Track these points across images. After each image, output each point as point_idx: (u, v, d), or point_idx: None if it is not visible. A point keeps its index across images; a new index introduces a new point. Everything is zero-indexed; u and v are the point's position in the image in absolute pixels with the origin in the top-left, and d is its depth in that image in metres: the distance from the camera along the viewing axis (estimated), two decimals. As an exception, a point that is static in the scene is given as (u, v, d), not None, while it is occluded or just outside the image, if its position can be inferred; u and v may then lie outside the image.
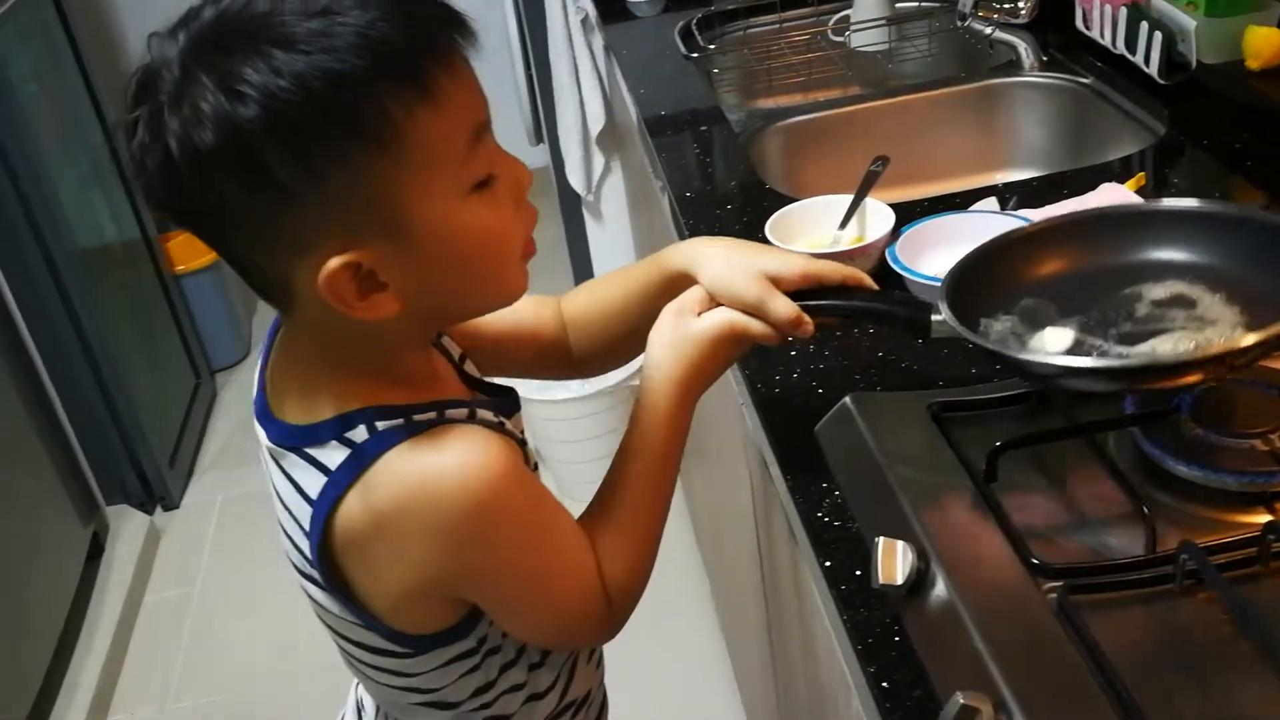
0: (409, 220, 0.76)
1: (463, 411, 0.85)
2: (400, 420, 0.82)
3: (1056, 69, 1.68)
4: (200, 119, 0.71)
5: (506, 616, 0.89)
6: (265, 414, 0.88)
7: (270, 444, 0.86)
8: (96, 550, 2.64)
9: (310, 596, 0.90)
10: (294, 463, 0.84)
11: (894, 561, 0.82)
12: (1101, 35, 1.56)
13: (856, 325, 1.13)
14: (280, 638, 2.44)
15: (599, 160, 2.59)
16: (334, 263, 0.75)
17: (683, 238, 1.45)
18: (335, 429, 0.82)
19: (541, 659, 0.96)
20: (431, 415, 0.83)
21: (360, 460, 0.80)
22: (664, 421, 0.93)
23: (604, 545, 0.91)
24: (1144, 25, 1.46)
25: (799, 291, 0.93)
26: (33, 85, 2.60)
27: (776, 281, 0.92)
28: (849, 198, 1.29)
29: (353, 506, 0.81)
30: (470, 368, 0.98)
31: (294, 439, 0.84)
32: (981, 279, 0.94)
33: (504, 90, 2.95)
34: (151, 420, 2.82)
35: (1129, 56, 1.50)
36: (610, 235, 2.73)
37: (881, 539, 0.83)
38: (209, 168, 0.72)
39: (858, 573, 0.87)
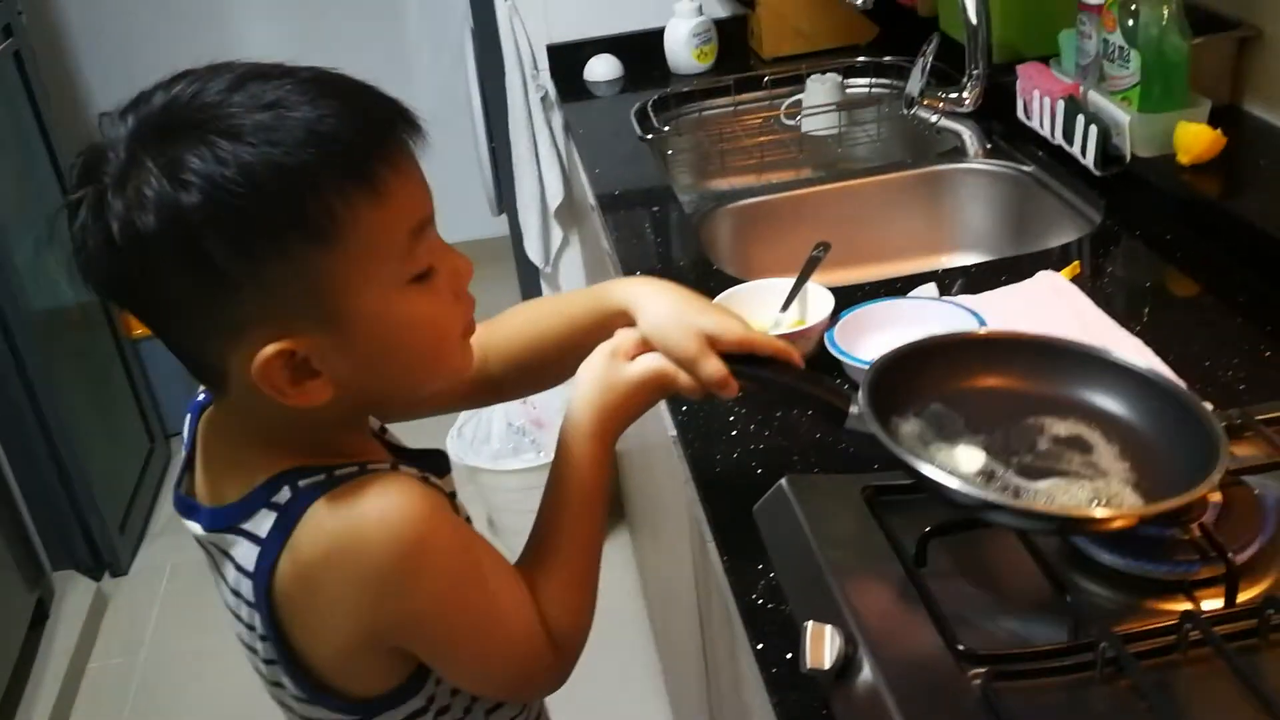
0: (345, 311, 0.77)
1: (384, 466, 0.86)
2: (322, 476, 0.82)
3: (999, 157, 1.74)
4: (143, 203, 0.72)
5: (450, 666, 0.89)
6: (189, 506, 0.88)
7: (204, 533, 0.86)
8: (41, 616, 2.60)
9: (260, 673, 0.89)
10: (230, 542, 0.84)
11: (822, 646, 0.83)
12: (1041, 126, 1.61)
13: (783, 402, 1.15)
14: (226, 708, 2.41)
15: (557, 234, 2.61)
16: (267, 350, 0.76)
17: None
18: (262, 497, 0.82)
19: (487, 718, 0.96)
20: (353, 469, 0.83)
21: (287, 520, 0.81)
22: (591, 462, 0.94)
23: (542, 589, 0.91)
24: (1080, 118, 1.50)
25: (730, 355, 0.95)
26: (-8, 148, 2.61)
27: (713, 342, 0.94)
28: (792, 281, 1.31)
29: (285, 567, 0.81)
30: (392, 437, 0.99)
31: (225, 519, 0.84)
32: (898, 377, 0.96)
33: (467, 162, 2.99)
34: (103, 485, 2.80)
35: (1066, 147, 1.55)
36: (567, 307, 2.75)
37: (810, 623, 0.85)
38: (148, 251, 0.73)
39: (789, 655, 0.88)
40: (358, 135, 0.75)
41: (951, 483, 0.85)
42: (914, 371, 0.97)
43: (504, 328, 1.08)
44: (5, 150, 2.70)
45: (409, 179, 0.78)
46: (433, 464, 0.93)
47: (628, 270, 1.55)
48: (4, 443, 2.57)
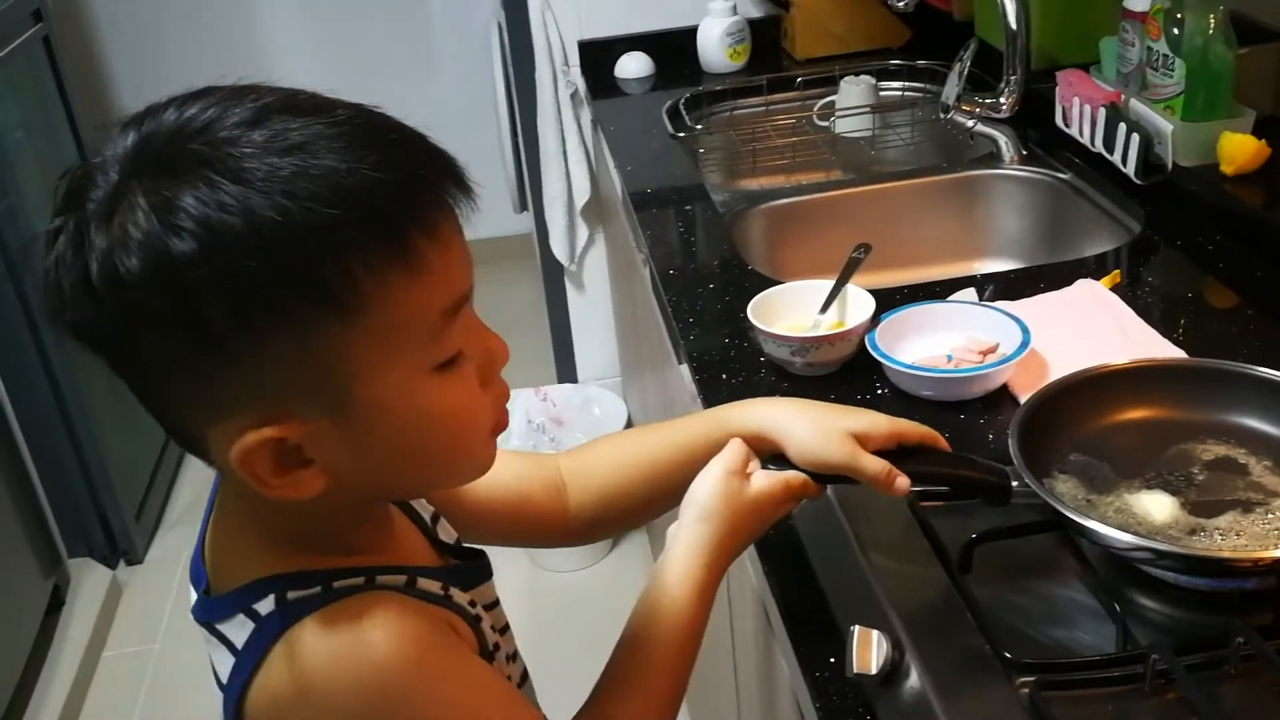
0: (355, 398, 0.66)
1: (399, 579, 0.74)
2: (317, 589, 0.70)
3: (1035, 164, 1.72)
4: (127, 242, 0.61)
5: None
6: (199, 579, 0.77)
7: (192, 615, 0.76)
8: (56, 603, 2.60)
9: None
10: (209, 638, 0.74)
11: (869, 651, 0.83)
12: (1080, 133, 1.60)
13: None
14: (239, 699, 2.41)
15: (582, 231, 2.61)
16: (250, 438, 0.65)
17: (665, 314, 1.46)
18: (242, 600, 0.71)
19: None
20: (358, 581, 0.72)
21: (264, 639, 0.70)
22: (697, 592, 0.85)
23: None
24: (1122, 126, 1.49)
25: (880, 452, 0.89)
26: (19, 132, 2.60)
27: (863, 441, 0.88)
28: (830, 283, 1.30)
29: (257, 695, 0.70)
30: (445, 529, 0.87)
31: (207, 612, 0.74)
32: (1033, 438, 0.94)
33: (490, 157, 2.98)
34: (120, 473, 2.80)
35: (1107, 155, 1.54)
36: (591, 304, 2.74)
37: (857, 628, 0.84)
38: (129, 300, 0.62)
39: (832, 660, 0.88)
40: (394, 194, 0.64)
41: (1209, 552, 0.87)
42: (1042, 429, 0.96)
43: (592, 465, 0.98)
44: (33, 135, 2.71)
45: (449, 250, 0.67)
46: (467, 573, 0.83)
47: (660, 270, 1.54)
48: (25, 430, 2.57)
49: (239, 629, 0.71)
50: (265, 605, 0.70)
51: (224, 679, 0.72)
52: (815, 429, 0.89)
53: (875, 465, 0.88)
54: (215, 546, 0.77)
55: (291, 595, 0.70)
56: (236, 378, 0.64)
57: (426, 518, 0.86)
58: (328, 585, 0.71)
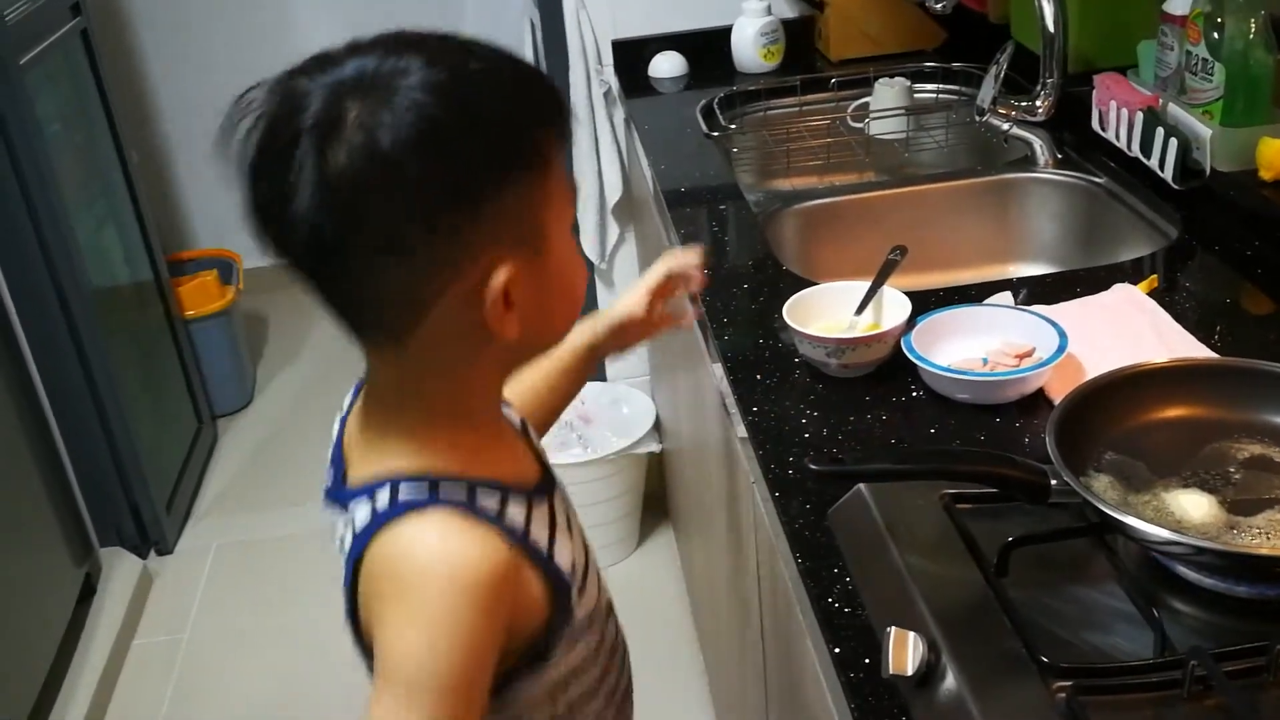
0: (548, 243, 0.83)
1: (494, 500, 0.86)
2: (424, 484, 0.84)
3: (1071, 168, 1.71)
4: (389, 122, 0.75)
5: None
6: (337, 462, 0.92)
7: (325, 494, 0.90)
8: (88, 591, 2.63)
9: None
10: (338, 515, 0.88)
11: (905, 652, 0.83)
12: (1117, 137, 1.59)
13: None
14: (269, 690, 2.42)
15: (613, 229, 2.61)
16: (502, 275, 0.80)
17: (699, 313, 1.47)
18: (369, 490, 0.84)
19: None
20: (460, 488, 0.84)
21: (376, 523, 0.83)
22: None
23: None
24: (1160, 130, 1.49)
25: (911, 459, 0.99)
26: (56, 125, 2.63)
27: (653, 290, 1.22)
28: (866, 284, 1.31)
29: (364, 565, 0.83)
30: (533, 435, 1.02)
31: (341, 495, 0.87)
32: (1067, 437, 0.94)
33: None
34: (151, 463, 2.82)
35: (1144, 160, 1.53)
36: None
37: (893, 628, 0.84)
38: (376, 192, 0.75)
39: (867, 661, 0.88)
40: (553, 86, 0.86)
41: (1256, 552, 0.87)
42: (1078, 428, 0.97)
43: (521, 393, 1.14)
44: (70, 127, 2.73)
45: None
46: (544, 485, 0.95)
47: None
48: (59, 419, 2.60)
49: (361, 513, 0.84)
50: (382, 498, 0.83)
51: (346, 548, 0.85)
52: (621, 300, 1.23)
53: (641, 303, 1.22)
54: (362, 439, 0.90)
55: (403, 490, 0.83)
56: (480, 227, 0.78)
57: (517, 424, 1.00)
58: (434, 485, 0.84)
